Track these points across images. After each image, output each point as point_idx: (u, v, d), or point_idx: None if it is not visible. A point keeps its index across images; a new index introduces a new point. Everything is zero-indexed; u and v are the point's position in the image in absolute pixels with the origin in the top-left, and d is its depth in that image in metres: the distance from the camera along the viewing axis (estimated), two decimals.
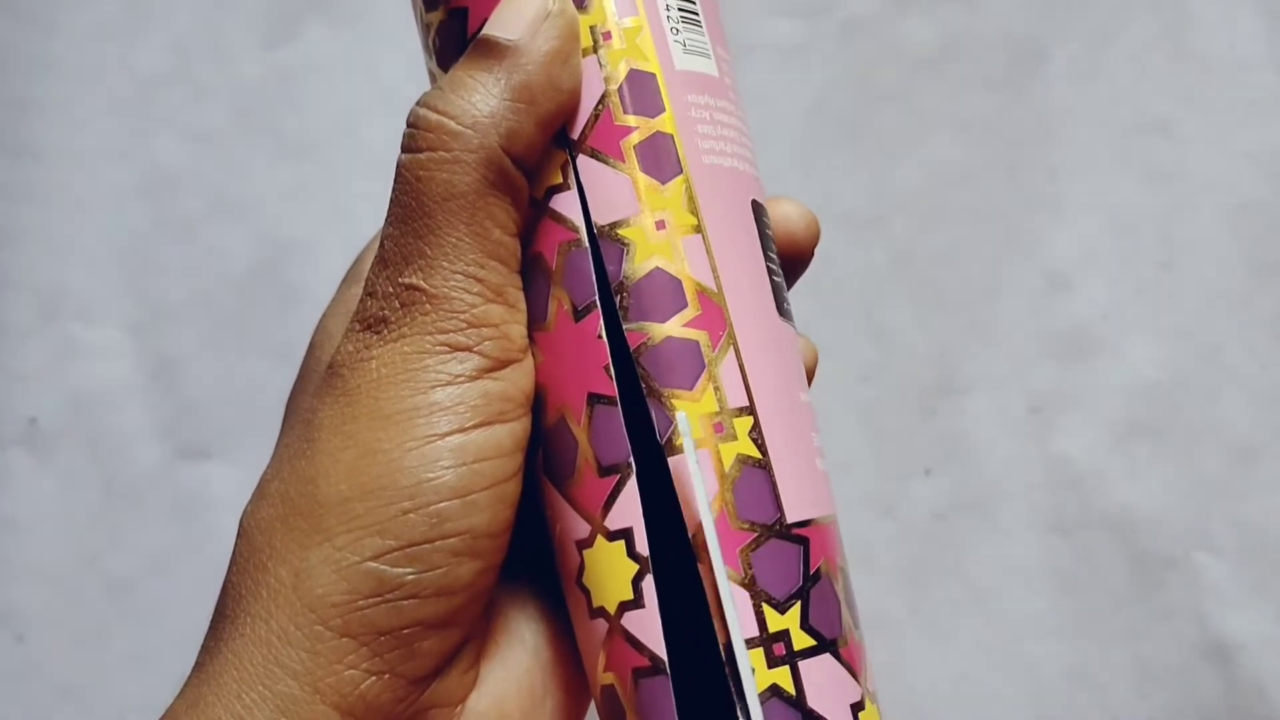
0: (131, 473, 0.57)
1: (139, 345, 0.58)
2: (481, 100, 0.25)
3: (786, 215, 0.30)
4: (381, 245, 0.25)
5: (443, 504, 0.24)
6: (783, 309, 0.28)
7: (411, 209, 0.25)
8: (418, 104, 0.25)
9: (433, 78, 0.28)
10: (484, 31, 0.25)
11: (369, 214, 0.58)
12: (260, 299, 0.58)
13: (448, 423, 0.24)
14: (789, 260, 0.31)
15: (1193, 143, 0.54)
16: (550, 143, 0.26)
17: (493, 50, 0.25)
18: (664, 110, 0.26)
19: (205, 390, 0.58)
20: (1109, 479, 0.52)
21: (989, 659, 0.52)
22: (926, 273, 0.55)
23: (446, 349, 0.24)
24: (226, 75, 0.60)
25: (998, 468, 0.53)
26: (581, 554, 0.25)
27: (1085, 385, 0.53)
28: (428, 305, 0.24)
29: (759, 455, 0.25)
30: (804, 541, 0.25)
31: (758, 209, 0.27)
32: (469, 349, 0.24)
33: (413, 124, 0.25)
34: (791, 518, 0.25)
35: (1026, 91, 0.55)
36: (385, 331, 0.24)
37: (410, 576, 0.23)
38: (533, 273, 0.26)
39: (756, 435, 0.25)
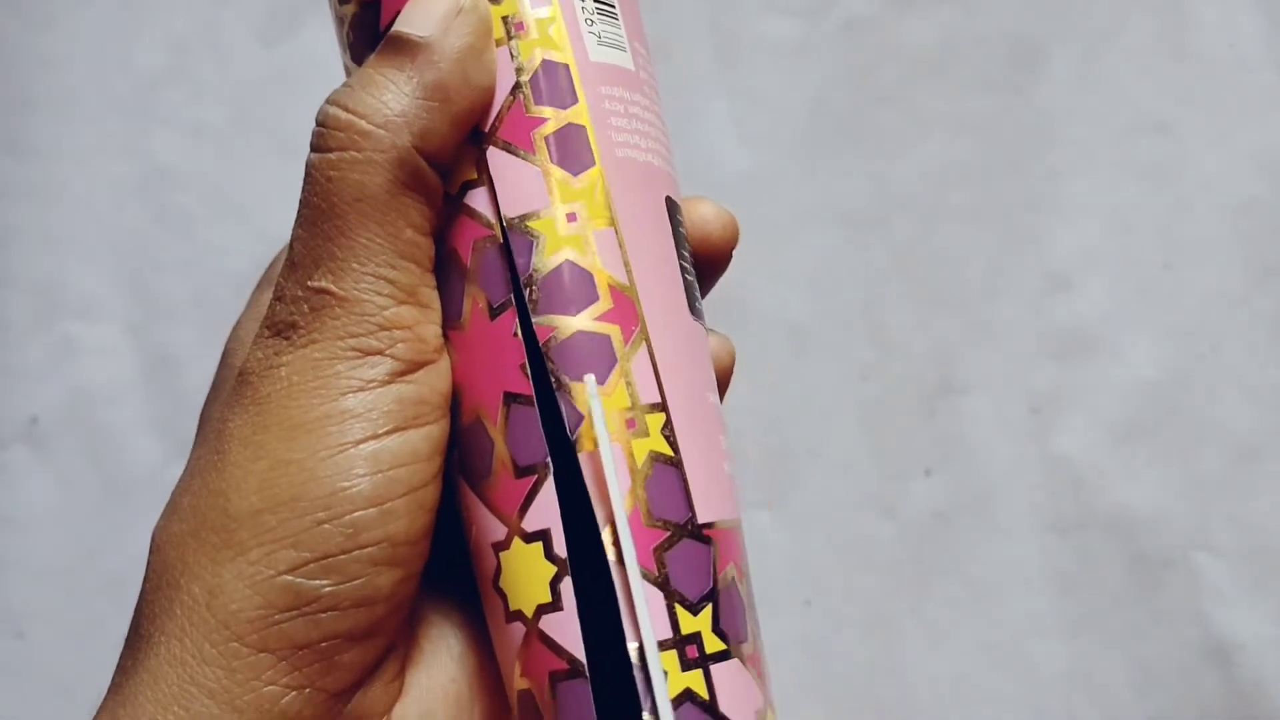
0: (131, 471, 0.57)
1: (138, 344, 0.58)
2: (393, 99, 0.24)
3: (704, 217, 0.29)
4: (291, 248, 0.25)
5: (358, 513, 0.23)
6: (695, 308, 0.27)
7: (321, 210, 0.24)
8: (327, 102, 0.24)
9: (348, 72, 0.27)
10: (395, 27, 0.24)
11: None
12: None
13: (360, 430, 0.23)
14: (705, 263, 0.30)
15: (1193, 143, 0.54)
16: (467, 142, 0.25)
17: (404, 47, 0.24)
18: (577, 101, 0.25)
19: (204, 388, 0.57)
20: (1109, 479, 0.52)
21: (989, 659, 0.52)
22: (926, 273, 0.55)
23: (357, 354, 0.24)
24: (226, 73, 0.60)
25: (998, 468, 0.53)
26: (498, 556, 0.24)
27: (1085, 385, 0.53)
28: (338, 309, 0.24)
29: (671, 453, 0.25)
30: (712, 543, 0.25)
31: (671, 206, 0.27)
32: (380, 353, 0.24)
33: (322, 123, 0.24)
34: (702, 518, 0.25)
35: (1026, 91, 0.55)
36: (295, 337, 0.24)
37: (328, 589, 0.23)
38: (447, 271, 0.25)
39: (669, 432, 0.25)
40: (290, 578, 0.23)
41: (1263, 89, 0.54)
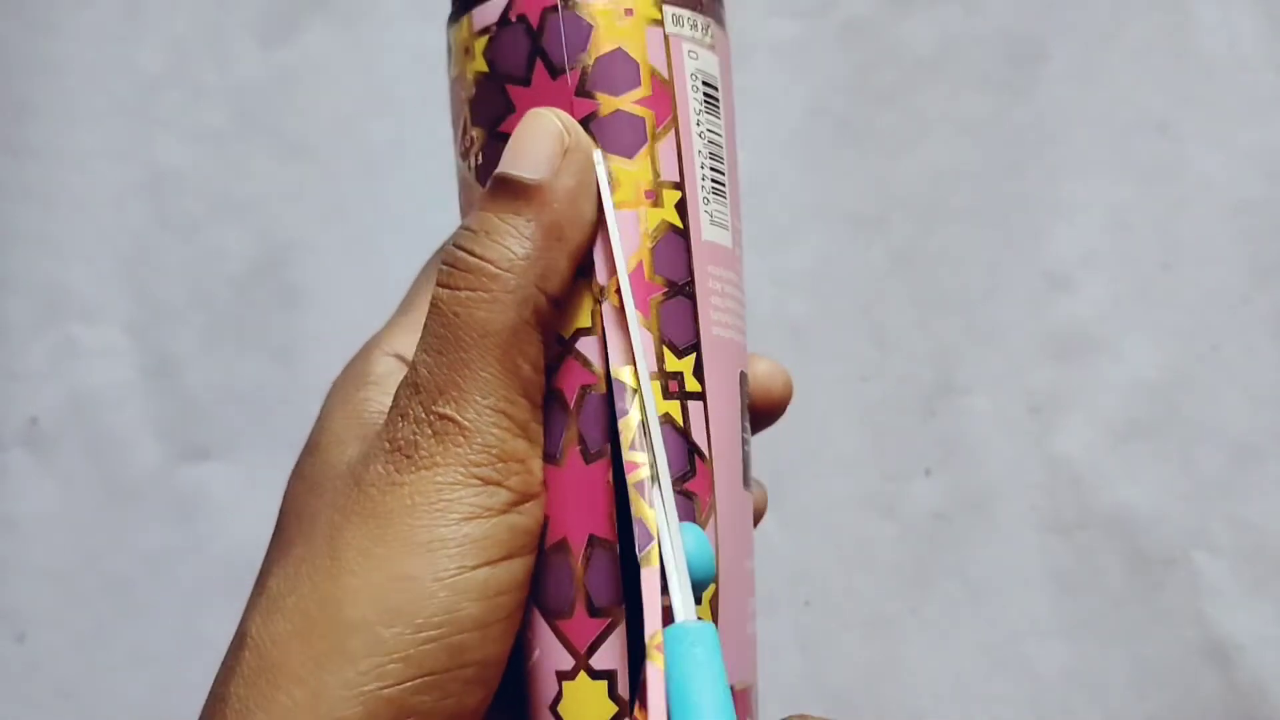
0: (131, 473, 0.57)
1: (139, 345, 0.58)
2: (516, 244, 0.25)
3: (769, 375, 0.32)
4: (415, 371, 0.26)
5: (464, 635, 0.24)
6: (747, 479, 0.29)
7: (448, 341, 0.25)
8: (454, 245, 0.26)
9: (463, 183, 0.29)
10: (504, 169, 0.26)
11: (368, 214, 0.58)
12: (260, 299, 0.58)
13: (476, 556, 0.25)
14: (765, 414, 0.32)
15: (1192, 143, 0.54)
16: (584, 286, 0.26)
17: (519, 191, 0.26)
18: (690, 277, 0.27)
19: (205, 390, 0.58)
20: (1108, 479, 0.52)
21: (989, 659, 0.52)
22: (926, 273, 0.55)
23: (479, 482, 0.25)
24: (226, 75, 0.60)
25: (998, 468, 0.53)
26: (561, 684, 0.26)
27: (1085, 385, 0.53)
28: (460, 437, 0.25)
29: (710, 619, 0.26)
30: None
31: (743, 379, 0.29)
32: (498, 483, 0.25)
33: (451, 264, 0.26)
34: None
35: (1026, 91, 0.55)
36: (416, 457, 0.25)
37: (427, 704, 0.24)
38: (551, 408, 0.26)
39: (714, 604, 0.26)
40: (395, 691, 0.24)
41: (1263, 89, 0.54)
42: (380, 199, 0.58)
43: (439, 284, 0.26)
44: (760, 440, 0.54)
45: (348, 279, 0.58)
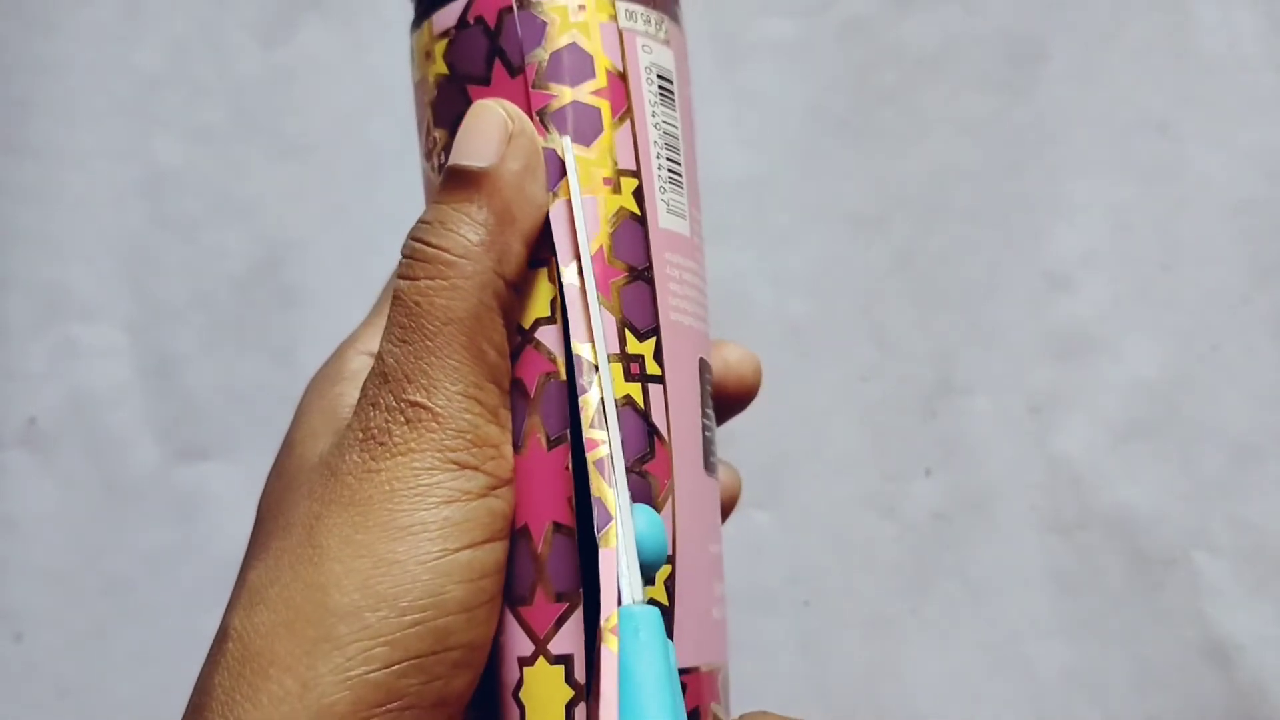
0: (131, 473, 0.57)
1: (138, 345, 0.58)
2: (470, 230, 0.26)
3: (740, 360, 0.33)
4: (382, 360, 0.26)
5: (449, 618, 0.25)
6: (709, 463, 0.29)
7: (412, 330, 0.26)
8: (411, 238, 0.27)
9: (427, 184, 0.29)
10: (454, 160, 0.27)
11: (368, 214, 0.58)
12: (259, 299, 0.58)
13: (458, 539, 0.25)
14: (737, 400, 0.33)
15: (1192, 143, 0.54)
16: (542, 276, 0.27)
17: (468, 179, 0.26)
18: (648, 264, 0.28)
19: (204, 390, 0.57)
20: (1108, 479, 0.52)
21: (989, 659, 0.52)
22: (926, 273, 0.55)
23: (455, 466, 0.25)
24: (225, 75, 0.60)
25: (998, 468, 0.53)
26: (522, 670, 0.26)
27: (1085, 385, 0.53)
28: (434, 423, 0.25)
29: (667, 603, 0.27)
30: (685, 687, 0.27)
31: (703, 366, 0.29)
32: (475, 468, 0.26)
33: (409, 255, 0.26)
34: (683, 662, 0.27)
35: (1026, 91, 0.55)
36: (390, 444, 0.25)
37: (414, 688, 0.24)
38: (512, 397, 0.27)
39: (670, 585, 0.27)
40: (382, 675, 0.24)
41: (1263, 89, 0.54)
42: (380, 199, 0.58)
43: (399, 276, 0.26)
44: (762, 439, 0.54)
45: (348, 279, 0.57)
